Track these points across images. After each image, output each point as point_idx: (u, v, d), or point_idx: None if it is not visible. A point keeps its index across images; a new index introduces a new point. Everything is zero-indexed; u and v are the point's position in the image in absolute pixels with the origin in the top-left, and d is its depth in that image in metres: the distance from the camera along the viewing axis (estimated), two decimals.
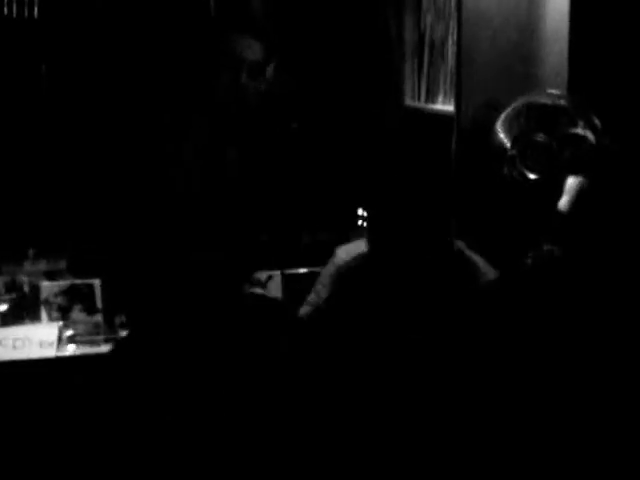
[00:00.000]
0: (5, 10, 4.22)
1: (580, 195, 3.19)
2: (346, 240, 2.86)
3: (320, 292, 2.63)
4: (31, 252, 3.58)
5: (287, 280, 3.50)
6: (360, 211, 3.80)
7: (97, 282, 3.33)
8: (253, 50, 3.51)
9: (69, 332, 3.17)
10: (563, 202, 3.20)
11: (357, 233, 3.05)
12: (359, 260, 2.52)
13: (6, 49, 4.23)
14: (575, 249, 3.18)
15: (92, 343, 3.12)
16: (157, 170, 3.73)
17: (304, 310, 2.64)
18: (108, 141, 4.23)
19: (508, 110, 3.65)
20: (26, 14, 4.24)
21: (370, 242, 2.46)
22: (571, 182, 3.22)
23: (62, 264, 3.57)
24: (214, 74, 3.44)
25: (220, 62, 3.44)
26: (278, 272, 3.49)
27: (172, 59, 4.16)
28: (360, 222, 3.76)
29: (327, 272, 2.65)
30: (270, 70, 3.53)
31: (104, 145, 4.23)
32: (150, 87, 4.17)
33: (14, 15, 4.24)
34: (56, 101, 4.29)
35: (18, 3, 4.23)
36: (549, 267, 3.01)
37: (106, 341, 3.14)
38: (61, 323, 3.21)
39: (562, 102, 3.63)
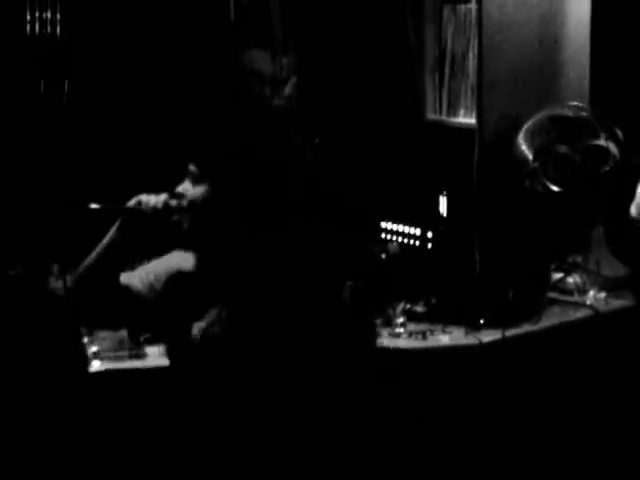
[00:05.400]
0: (29, 29, 4.26)
1: None
2: None
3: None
4: (55, 268, 3.59)
5: None
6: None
7: None
8: (266, 62, 3.52)
9: (94, 348, 3.18)
10: (634, 209, 3.18)
11: None
12: None
13: (30, 66, 4.26)
14: None
15: (117, 359, 3.13)
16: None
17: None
18: (129, 154, 4.25)
19: (530, 123, 3.65)
20: (49, 32, 4.28)
21: None
22: None
23: None
24: (237, 85, 3.46)
25: (241, 74, 3.45)
26: None
27: (191, 70, 4.17)
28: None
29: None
30: (290, 87, 3.55)
31: (125, 159, 4.25)
32: (170, 99, 4.19)
33: (36, 33, 4.28)
34: (79, 118, 4.31)
35: (41, 22, 4.27)
36: None
37: (131, 357, 3.15)
38: (86, 339, 3.21)
39: (584, 114, 3.63)
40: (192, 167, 2.50)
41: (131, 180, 3.98)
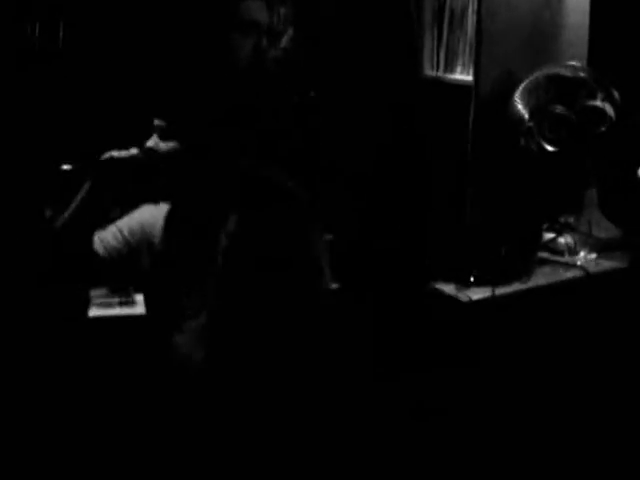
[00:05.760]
0: None
1: None
2: None
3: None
4: (48, 213, 3.59)
5: None
6: None
7: None
8: (263, 13, 3.49)
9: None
10: None
11: None
12: None
13: (25, 10, 4.23)
14: None
15: (107, 306, 3.14)
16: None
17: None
18: (122, 111, 4.22)
19: (527, 81, 3.64)
20: None
21: None
22: None
23: None
24: (234, 37, 3.43)
25: (237, 25, 3.42)
26: None
27: (186, 23, 4.13)
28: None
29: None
30: (287, 38, 3.52)
31: (119, 114, 4.22)
32: (162, 49, 4.16)
33: None
34: (73, 65, 4.28)
35: None
36: None
37: (120, 304, 3.16)
38: None
39: (582, 74, 3.62)
40: (158, 122, 2.49)
41: (96, 136, 3.96)
